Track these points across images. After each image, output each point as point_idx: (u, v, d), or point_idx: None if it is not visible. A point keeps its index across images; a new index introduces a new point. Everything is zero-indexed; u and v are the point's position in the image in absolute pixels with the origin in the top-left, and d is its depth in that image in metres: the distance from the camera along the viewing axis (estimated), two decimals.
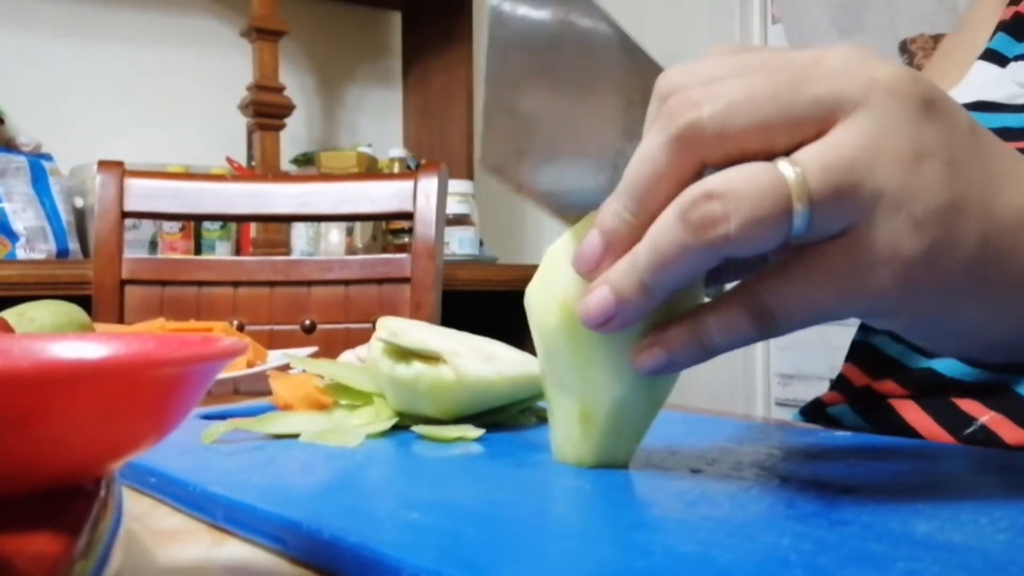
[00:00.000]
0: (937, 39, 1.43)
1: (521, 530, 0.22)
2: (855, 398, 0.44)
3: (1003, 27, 0.47)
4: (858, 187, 0.22)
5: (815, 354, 1.58)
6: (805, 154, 0.22)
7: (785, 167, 0.22)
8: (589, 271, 0.25)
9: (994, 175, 0.25)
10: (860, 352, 0.46)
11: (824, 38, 1.54)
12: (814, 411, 0.46)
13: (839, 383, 0.46)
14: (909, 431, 0.39)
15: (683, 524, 0.22)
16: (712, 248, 0.22)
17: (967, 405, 0.37)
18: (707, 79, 0.23)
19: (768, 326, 0.24)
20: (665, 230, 0.23)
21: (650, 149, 0.24)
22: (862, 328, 0.47)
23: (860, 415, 0.43)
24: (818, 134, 0.23)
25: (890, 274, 0.23)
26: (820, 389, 0.48)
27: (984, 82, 0.45)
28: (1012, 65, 0.44)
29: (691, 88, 0.23)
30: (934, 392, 0.39)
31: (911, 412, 0.39)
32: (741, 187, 0.22)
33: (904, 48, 1.46)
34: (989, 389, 0.37)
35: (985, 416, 0.36)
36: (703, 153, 0.23)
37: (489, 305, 1.59)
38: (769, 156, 0.23)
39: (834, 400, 0.45)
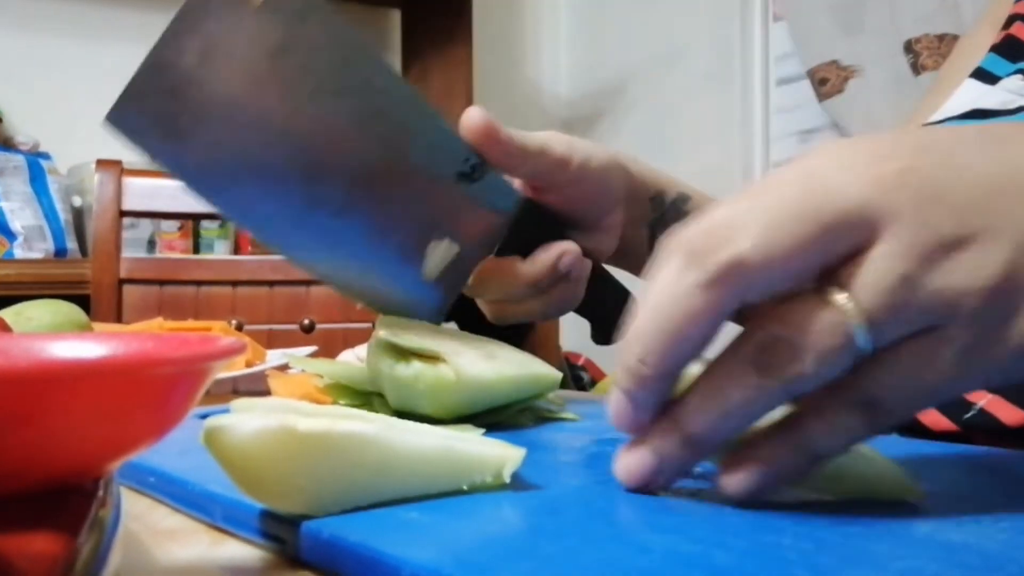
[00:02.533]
0: (941, 39, 1.42)
1: (520, 529, 0.22)
2: None
3: (994, 49, 0.49)
4: (912, 299, 0.21)
5: None
6: (852, 277, 0.22)
7: (838, 296, 0.22)
8: (633, 431, 0.25)
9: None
10: None
11: (825, 37, 1.54)
12: None
13: None
14: (911, 420, 0.40)
15: (683, 523, 0.22)
16: (788, 387, 0.22)
17: None
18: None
19: (878, 419, 0.22)
20: (732, 376, 0.22)
21: (674, 295, 0.22)
22: None
23: None
24: (853, 247, 0.22)
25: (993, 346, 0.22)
26: None
27: (977, 95, 0.46)
28: (1003, 81, 0.46)
29: (708, 228, 0.22)
30: None
31: None
32: (803, 324, 0.22)
33: (909, 48, 1.45)
34: None
35: (983, 400, 0.37)
36: (747, 290, 0.22)
37: None
38: (807, 279, 0.22)
39: None
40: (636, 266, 0.50)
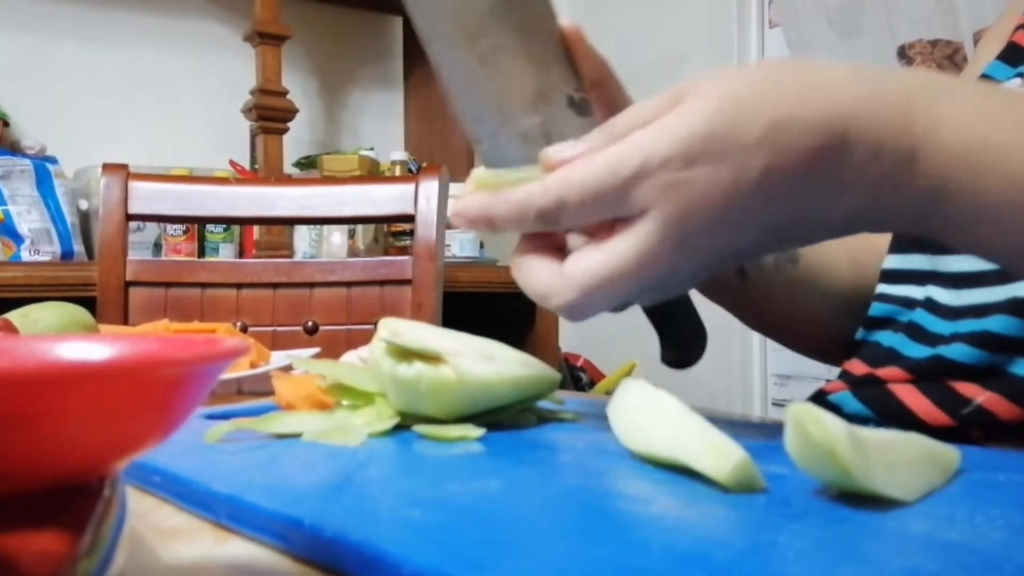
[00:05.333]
0: (935, 44, 1.42)
1: (521, 528, 0.22)
2: (856, 385, 0.45)
3: (999, 57, 0.49)
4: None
5: None
6: None
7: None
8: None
9: None
10: (862, 349, 0.47)
11: (822, 42, 1.54)
12: (815, 400, 0.47)
13: (842, 375, 0.46)
14: (908, 414, 0.40)
15: (681, 521, 0.22)
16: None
17: (964, 387, 0.39)
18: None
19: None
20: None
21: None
22: (864, 327, 0.48)
23: (860, 400, 0.43)
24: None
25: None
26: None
27: None
28: (1003, 85, 0.46)
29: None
30: (935, 376, 0.40)
31: (910, 396, 0.41)
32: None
33: (903, 53, 1.45)
34: (988, 372, 0.39)
35: (981, 396, 0.38)
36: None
37: (489, 306, 1.59)
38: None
39: (835, 388, 0.45)
40: (724, 301, 0.49)
